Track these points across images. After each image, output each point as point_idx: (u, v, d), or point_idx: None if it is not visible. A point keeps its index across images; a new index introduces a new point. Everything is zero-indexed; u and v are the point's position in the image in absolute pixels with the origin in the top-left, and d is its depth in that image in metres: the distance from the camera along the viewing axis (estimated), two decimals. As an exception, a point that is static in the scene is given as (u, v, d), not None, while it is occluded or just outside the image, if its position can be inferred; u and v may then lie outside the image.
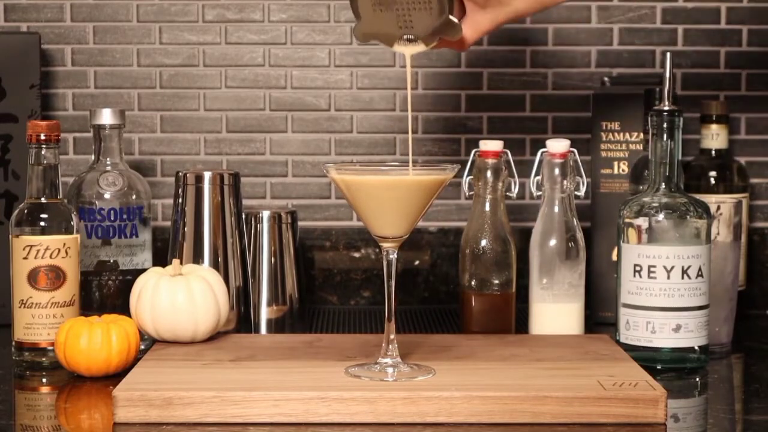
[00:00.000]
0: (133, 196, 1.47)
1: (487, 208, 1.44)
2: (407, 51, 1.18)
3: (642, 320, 1.30)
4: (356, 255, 1.71)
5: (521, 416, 1.08)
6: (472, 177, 1.44)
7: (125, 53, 1.70)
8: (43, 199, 1.31)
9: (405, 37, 1.16)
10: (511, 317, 1.44)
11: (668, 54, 1.31)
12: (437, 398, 1.08)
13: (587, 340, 1.33)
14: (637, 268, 1.31)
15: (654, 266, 1.29)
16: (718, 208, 1.37)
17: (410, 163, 1.17)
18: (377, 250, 1.69)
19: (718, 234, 1.37)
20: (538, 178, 1.41)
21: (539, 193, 1.41)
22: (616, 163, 1.55)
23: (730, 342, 1.41)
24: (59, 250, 1.30)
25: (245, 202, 1.53)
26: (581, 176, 1.42)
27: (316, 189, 1.72)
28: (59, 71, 1.70)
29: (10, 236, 1.31)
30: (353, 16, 1.18)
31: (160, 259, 1.48)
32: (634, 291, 1.31)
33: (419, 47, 1.18)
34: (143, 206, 1.48)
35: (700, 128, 1.64)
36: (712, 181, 1.62)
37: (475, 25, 1.16)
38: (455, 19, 1.14)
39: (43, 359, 1.30)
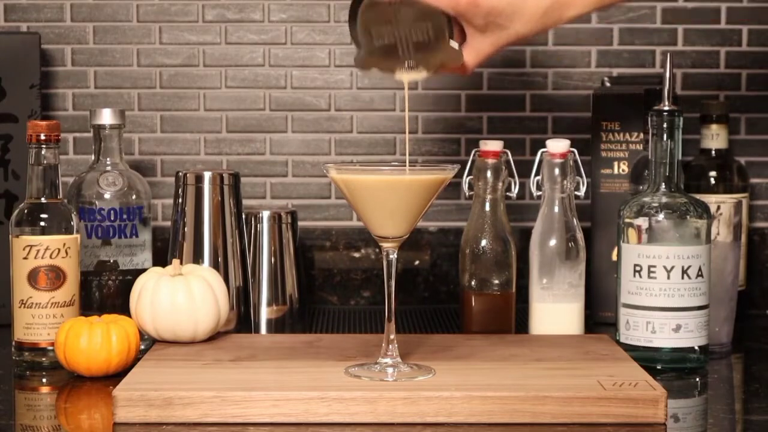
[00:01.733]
0: (133, 196, 1.47)
1: (487, 208, 1.44)
2: (406, 78, 1.18)
3: (642, 320, 1.30)
4: (356, 255, 1.71)
5: (521, 416, 1.08)
6: (472, 177, 1.44)
7: (125, 53, 1.70)
8: (43, 199, 1.31)
9: (406, 65, 1.17)
10: (511, 317, 1.44)
11: (668, 54, 1.31)
12: (437, 398, 1.08)
13: (587, 340, 1.33)
14: (637, 268, 1.31)
15: (654, 266, 1.29)
16: (718, 208, 1.37)
17: (407, 165, 1.17)
18: (377, 250, 1.69)
19: (718, 234, 1.37)
20: (538, 178, 1.41)
21: (539, 193, 1.41)
22: (616, 163, 1.55)
23: (730, 342, 1.41)
24: (59, 250, 1.30)
25: (245, 202, 1.53)
26: (581, 176, 1.42)
27: (316, 189, 1.72)
28: (59, 71, 1.70)
29: (10, 236, 1.31)
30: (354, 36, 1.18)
31: (160, 259, 1.48)
32: (634, 291, 1.31)
33: (420, 74, 1.18)
34: (143, 206, 1.48)
35: (700, 128, 1.64)
36: (712, 181, 1.62)
37: (476, 50, 1.16)
38: (456, 45, 1.14)
39: (43, 359, 1.30)
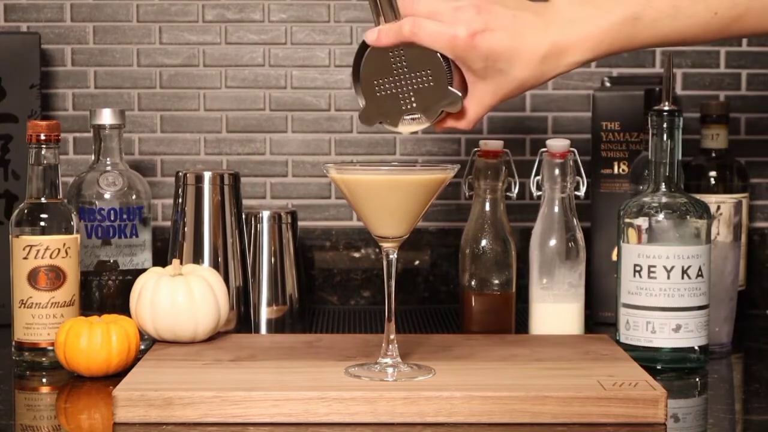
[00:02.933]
0: (133, 196, 1.47)
1: (487, 208, 1.44)
2: (405, 130, 1.19)
3: (642, 320, 1.30)
4: (356, 255, 1.71)
5: (521, 416, 1.08)
6: (472, 177, 1.44)
7: (125, 53, 1.70)
8: (43, 199, 1.31)
9: (409, 116, 1.17)
10: (511, 317, 1.44)
11: (668, 54, 1.32)
12: (437, 398, 1.08)
13: (587, 340, 1.33)
14: (637, 268, 1.31)
15: (654, 266, 1.29)
16: (718, 208, 1.37)
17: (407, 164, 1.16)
18: (377, 250, 1.69)
19: (718, 234, 1.37)
20: (538, 178, 1.41)
21: (539, 193, 1.41)
22: (616, 163, 1.55)
23: (730, 342, 1.41)
24: (59, 250, 1.30)
25: (245, 202, 1.53)
26: (581, 176, 1.42)
27: (316, 189, 1.72)
28: (59, 71, 1.70)
29: (10, 236, 1.31)
30: (354, 67, 1.18)
31: (160, 259, 1.48)
32: (634, 291, 1.31)
33: (422, 125, 1.18)
34: (143, 206, 1.48)
35: (700, 128, 1.64)
36: (712, 181, 1.62)
37: (477, 100, 1.16)
38: (456, 91, 1.15)
39: (43, 359, 1.30)
